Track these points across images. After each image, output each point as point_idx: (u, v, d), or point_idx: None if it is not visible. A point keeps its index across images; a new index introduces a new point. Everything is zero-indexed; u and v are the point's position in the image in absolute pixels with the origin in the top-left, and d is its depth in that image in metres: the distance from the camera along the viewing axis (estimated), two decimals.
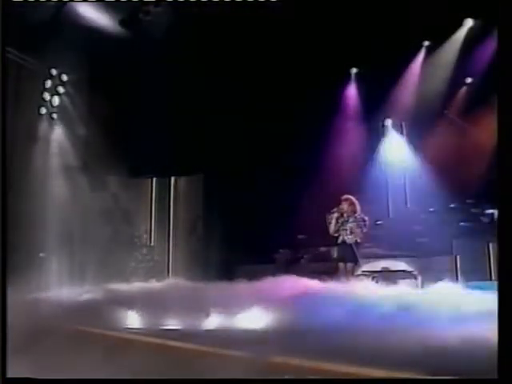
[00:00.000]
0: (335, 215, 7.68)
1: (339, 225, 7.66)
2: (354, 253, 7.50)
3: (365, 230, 7.70)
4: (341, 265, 7.60)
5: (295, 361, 2.73)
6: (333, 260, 7.80)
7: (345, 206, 7.71)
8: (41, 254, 10.24)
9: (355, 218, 7.66)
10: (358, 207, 7.74)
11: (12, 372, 3.00)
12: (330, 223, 7.71)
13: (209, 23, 9.60)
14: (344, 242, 7.60)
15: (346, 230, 7.63)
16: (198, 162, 11.62)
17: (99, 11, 9.59)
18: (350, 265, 7.58)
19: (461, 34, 10.46)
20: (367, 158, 11.13)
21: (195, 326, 4.49)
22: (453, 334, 2.84)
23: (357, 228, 7.62)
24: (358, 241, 7.67)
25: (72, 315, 4.55)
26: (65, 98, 11.26)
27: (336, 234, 7.66)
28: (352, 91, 11.72)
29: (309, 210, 9.36)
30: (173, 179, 12.50)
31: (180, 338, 3.66)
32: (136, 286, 7.68)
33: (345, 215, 7.68)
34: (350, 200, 7.76)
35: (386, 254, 9.18)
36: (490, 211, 9.08)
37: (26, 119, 10.44)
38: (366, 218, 7.73)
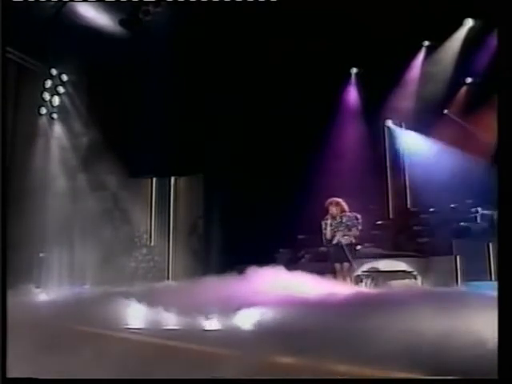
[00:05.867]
0: (328, 221, 7.72)
1: (333, 228, 7.68)
2: (345, 253, 7.51)
3: (360, 228, 7.71)
4: (337, 265, 7.62)
5: (295, 361, 2.73)
6: (329, 261, 7.81)
7: (333, 209, 7.74)
8: (41, 254, 10.24)
9: (348, 217, 7.68)
10: (345, 205, 7.77)
11: (12, 372, 3.00)
12: (325, 229, 7.74)
13: (209, 23, 9.61)
14: (338, 243, 7.61)
15: (341, 231, 7.65)
16: (197, 162, 11.62)
17: (99, 11, 9.59)
18: (345, 265, 7.59)
19: (461, 33, 10.46)
20: (367, 158, 11.12)
21: (195, 325, 4.48)
22: (452, 333, 2.83)
23: (351, 227, 7.63)
24: (353, 241, 7.68)
25: (72, 315, 4.55)
26: (65, 98, 11.26)
27: (332, 236, 7.68)
28: (352, 91, 11.71)
29: (309, 210, 9.35)
30: (173, 179, 12.50)
31: (180, 338, 3.66)
32: (136, 285, 7.68)
33: (337, 217, 7.71)
34: (335, 201, 7.80)
35: (385, 254, 9.19)
36: (490, 211, 9.08)
37: (26, 119, 10.44)
38: (359, 216, 7.75)
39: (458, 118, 10.62)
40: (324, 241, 7.83)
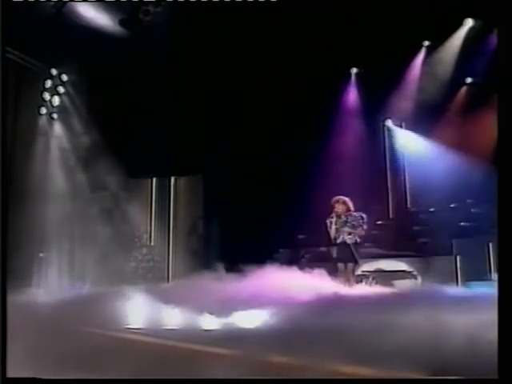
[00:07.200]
0: (334, 220, 7.68)
1: (338, 227, 7.65)
2: (352, 253, 7.48)
3: (365, 227, 7.68)
4: (340, 265, 7.58)
5: (295, 361, 2.73)
6: (332, 260, 7.78)
7: (339, 208, 7.71)
8: (41, 254, 10.24)
9: (354, 216, 7.65)
10: (351, 204, 7.74)
11: (12, 372, 3.00)
12: (330, 228, 7.70)
13: (209, 23, 9.61)
14: (343, 242, 7.58)
15: (346, 230, 7.62)
16: (197, 162, 11.62)
17: (99, 11, 9.59)
18: (349, 265, 7.57)
19: (461, 33, 10.46)
20: (367, 158, 11.12)
21: (195, 325, 4.49)
22: (452, 333, 2.83)
23: (357, 226, 7.60)
24: (358, 240, 7.65)
25: (72, 315, 4.55)
26: (65, 98, 11.26)
27: (337, 235, 7.65)
28: (352, 91, 11.71)
29: (309, 210, 9.35)
30: (173, 179, 12.50)
31: (180, 337, 3.66)
32: (136, 285, 7.68)
33: (342, 216, 7.68)
34: (342, 199, 7.77)
35: (385, 254, 9.18)
36: (490, 211, 9.08)
37: (26, 119, 10.44)
38: (365, 216, 7.72)
39: (457, 118, 10.62)
40: (329, 240, 7.78)
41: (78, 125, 11.24)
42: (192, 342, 3.41)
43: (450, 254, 8.81)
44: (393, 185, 11.69)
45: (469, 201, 9.83)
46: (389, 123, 11.71)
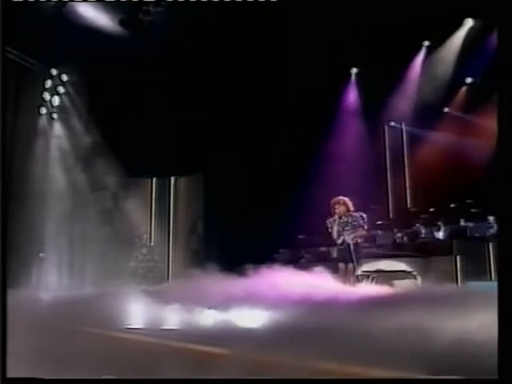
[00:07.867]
0: (335, 221, 7.67)
1: (339, 228, 7.64)
2: (352, 253, 7.47)
3: (366, 227, 7.66)
4: (340, 265, 7.58)
5: (295, 361, 2.73)
6: (333, 260, 7.77)
7: (340, 209, 7.69)
8: (41, 254, 10.25)
9: (355, 216, 7.64)
10: (351, 204, 7.73)
11: (12, 372, 3.00)
12: (331, 228, 7.68)
13: (209, 23, 9.61)
14: (344, 242, 7.57)
15: (347, 230, 7.61)
16: (197, 162, 11.63)
17: (99, 11, 9.59)
18: (350, 265, 7.56)
19: (461, 33, 10.47)
20: (367, 158, 11.13)
21: (195, 325, 4.49)
22: (452, 333, 2.83)
23: (358, 227, 7.59)
24: (359, 241, 7.64)
25: (72, 315, 4.55)
26: (65, 98, 11.28)
27: (338, 236, 7.64)
28: (352, 91, 11.72)
29: (309, 210, 9.36)
30: (173, 179, 12.51)
31: (179, 337, 3.67)
32: (136, 285, 7.68)
33: (343, 217, 7.67)
34: (342, 200, 7.74)
35: (386, 254, 9.18)
36: (490, 211, 9.08)
37: (26, 119, 10.45)
38: (365, 216, 7.70)
39: (457, 118, 10.63)
40: (330, 240, 7.76)
41: (77, 125, 11.26)
42: (192, 341, 3.41)
43: (450, 254, 8.80)
44: (393, 185, 11.69)
45: (469, 201, 9.84)
46: (389, 123, 11.72)
